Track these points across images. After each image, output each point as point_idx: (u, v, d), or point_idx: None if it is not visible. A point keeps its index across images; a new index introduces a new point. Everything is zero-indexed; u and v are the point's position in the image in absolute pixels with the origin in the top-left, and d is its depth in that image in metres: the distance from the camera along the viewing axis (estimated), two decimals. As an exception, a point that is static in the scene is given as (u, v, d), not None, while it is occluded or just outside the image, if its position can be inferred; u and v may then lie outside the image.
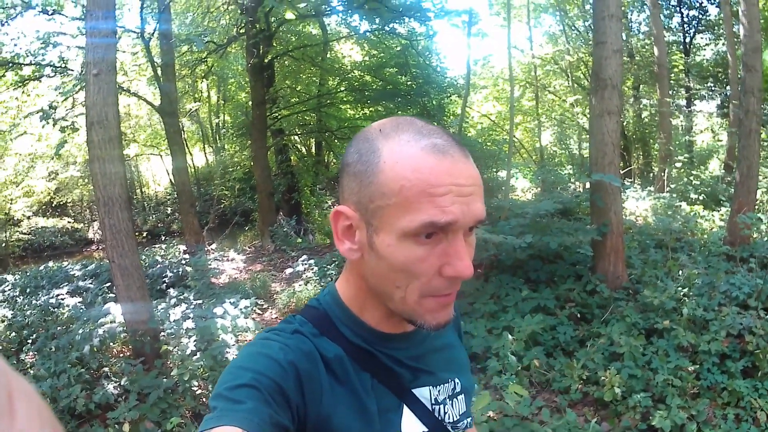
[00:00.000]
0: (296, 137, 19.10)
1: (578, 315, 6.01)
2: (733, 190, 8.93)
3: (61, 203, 22.23)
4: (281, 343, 0.88)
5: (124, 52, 11.80)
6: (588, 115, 9.02)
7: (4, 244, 18.00)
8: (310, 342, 0.91)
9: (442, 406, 1.02)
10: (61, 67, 10.51)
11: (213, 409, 0.78)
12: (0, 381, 0.37)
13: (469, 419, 1.08)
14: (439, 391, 1.02)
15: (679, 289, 5.54)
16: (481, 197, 0.85)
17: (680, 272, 6.06)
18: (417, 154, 0.82)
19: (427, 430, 0.98)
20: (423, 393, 0.99)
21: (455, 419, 1.04)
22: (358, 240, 0.89)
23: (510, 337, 5.23)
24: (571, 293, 6.28)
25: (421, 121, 0.88)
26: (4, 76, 11.51)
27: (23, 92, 12.42)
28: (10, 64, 10.67)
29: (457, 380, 1.07)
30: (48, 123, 8.60)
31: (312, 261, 9.80)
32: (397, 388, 0.96)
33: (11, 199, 18.77)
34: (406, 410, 0.96)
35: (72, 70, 10.27)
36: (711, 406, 4.34)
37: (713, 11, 16.96)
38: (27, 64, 10.82)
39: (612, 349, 5.07)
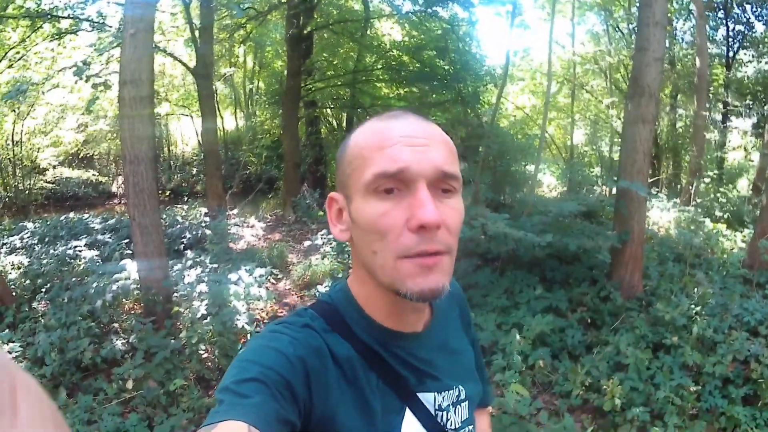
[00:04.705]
0: (328, 110, 19.10)
1: (588, 320, 6.00)
2: (758, 212, 8.80)
3: (88, 155, 22.30)
4: (290, 337, 0.88)
5: (163, 11, 11.76)
6: (622, 119, 8.90)
7: (27, 192, 18.15)
8: (320, 337, 0.91)
9: (445, 413, 1.02)
10: (99, 22, 10.51)
11: (220, 402, 0.78)
12: (2, 377, 0.36)
13: (470, 426, 1.09)
14: (443, 398, 1.02)
15: (692, 306, 5.48)
16: (443, 151, 0.89)
17: (695, 290, 5.99)
18: (374, 124, 0.92)
19: None
20: (427, 398, 1.00)
21: (457, 426, 1.04)
22: (345, 219, 0.95)
23: (518, 336, 5.22)
24: (584, 297, 6.27)
25: (398, 110, 0.95)
26: (41, 27, 11.51)
27: (59, 44, 12.38)
28: (49, 16, 10.66)
29: (461, 388, 1.07)
30: (81, 79, 8.63)
31: (331, 236, 9.75)
32: (402, 390, 0.96)
33: (38, 148, 18.96)
34: (408, 413, 0.96)
35: (110, 27, 10.27)
36: (707, 429, 4.30)
37: (760, 28, 16.58)
38: (65, 17, 10.77)
39: (618, 358, 5.04)
